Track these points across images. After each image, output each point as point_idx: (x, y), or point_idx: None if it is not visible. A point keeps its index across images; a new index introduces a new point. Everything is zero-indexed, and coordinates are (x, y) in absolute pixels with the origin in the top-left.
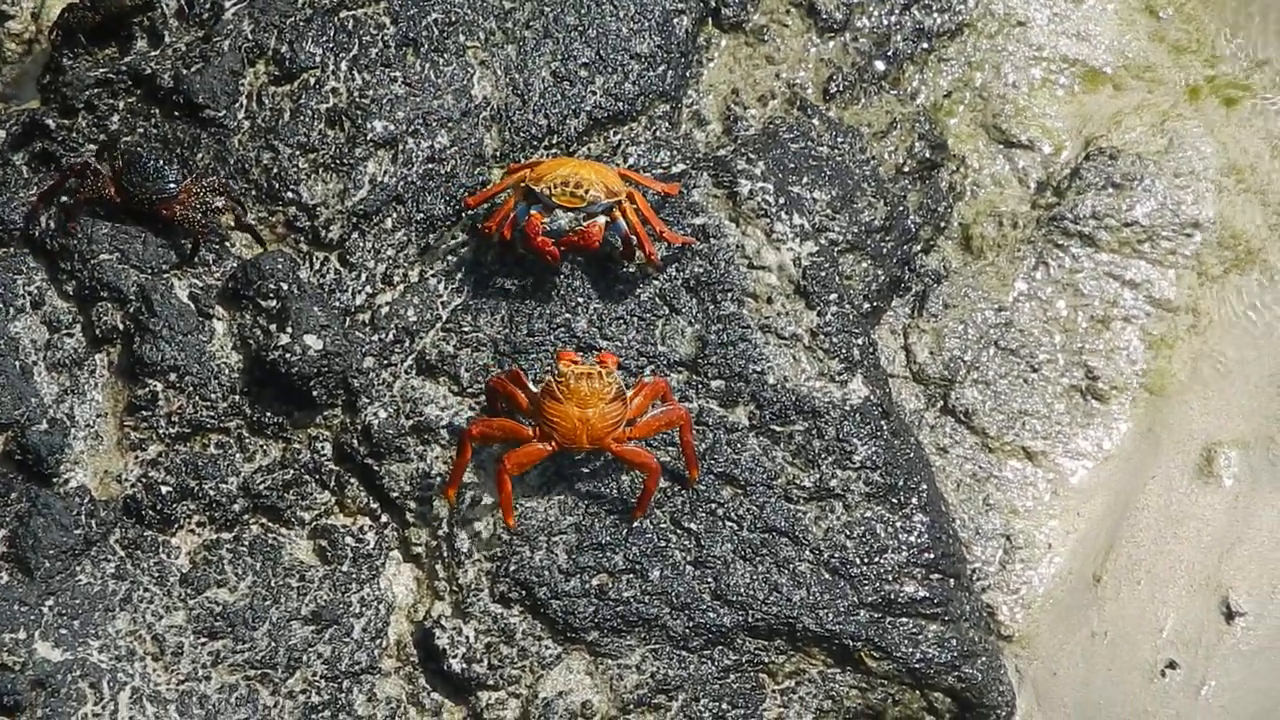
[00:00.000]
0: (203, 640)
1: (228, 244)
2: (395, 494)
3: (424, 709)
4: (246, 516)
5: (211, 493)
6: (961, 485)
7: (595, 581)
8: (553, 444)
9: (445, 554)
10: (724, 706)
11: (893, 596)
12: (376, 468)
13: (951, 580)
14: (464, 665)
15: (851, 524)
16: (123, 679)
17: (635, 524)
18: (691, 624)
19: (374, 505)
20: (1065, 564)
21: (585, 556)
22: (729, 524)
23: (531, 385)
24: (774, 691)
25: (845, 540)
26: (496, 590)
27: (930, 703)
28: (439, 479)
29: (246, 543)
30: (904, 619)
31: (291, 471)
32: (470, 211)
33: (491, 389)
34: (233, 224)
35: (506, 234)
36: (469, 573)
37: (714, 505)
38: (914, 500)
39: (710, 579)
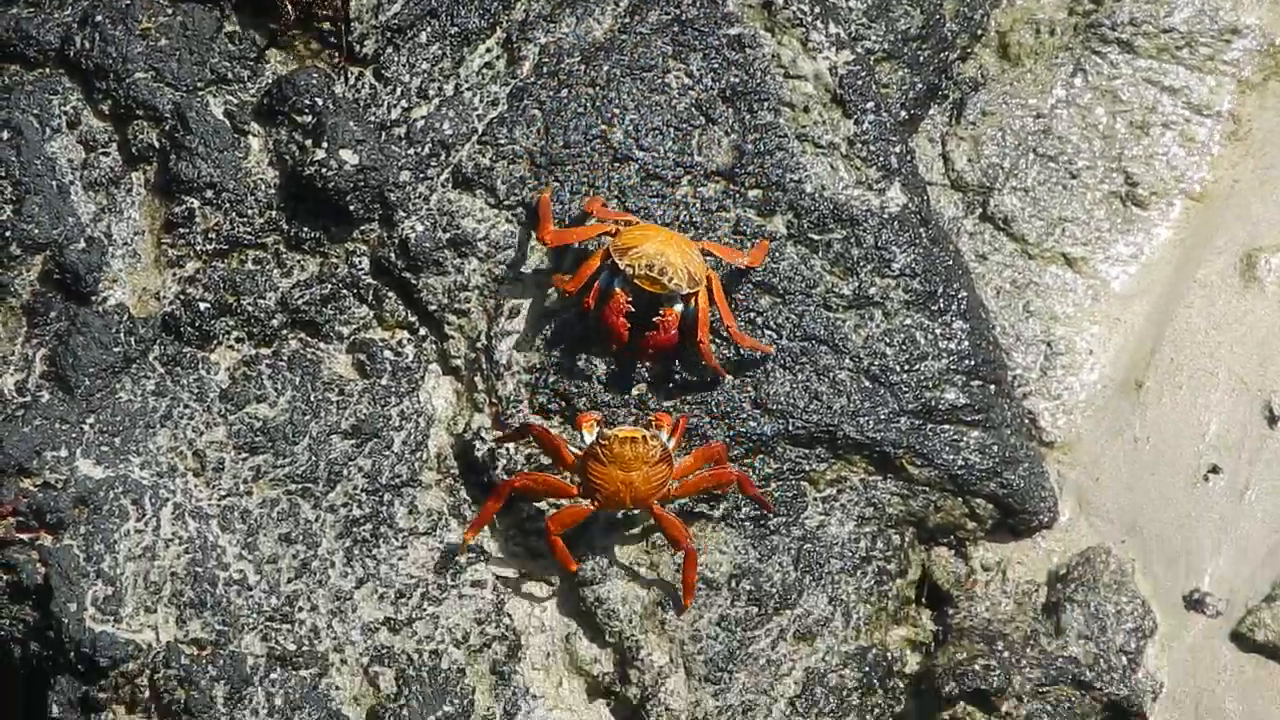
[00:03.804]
0: (243, 455)
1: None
2: (433, 307)
3: (465, 521)
4: (285, 332)
5: (250, 309)
6: (1001, 292)
7: (634, 391)
8: (595, 503)
9: (484, 366)
10: (766, 514)
11: (933, 403)
12: (414, 281)
13: (992, 387)
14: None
15: (891, 331)
16: (164, 495)
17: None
18: (732, 433)
19: (412, 319)
20: (1107, 370)
21: (624, 365)
22: (768, 333)
23: (574, 447)
24: (815, 499)
25: (885, 348)
26: (536, 401)
27: (972, 509)
28: (477, 291)
29: (285, 358)
30: (945, 426)
31: (329, 286)
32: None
33: (535, 437)
34: None
35: (589, 304)
36: (508, 384)
37: (753, 314)
38: (953, 307)
39: (750, 388)
